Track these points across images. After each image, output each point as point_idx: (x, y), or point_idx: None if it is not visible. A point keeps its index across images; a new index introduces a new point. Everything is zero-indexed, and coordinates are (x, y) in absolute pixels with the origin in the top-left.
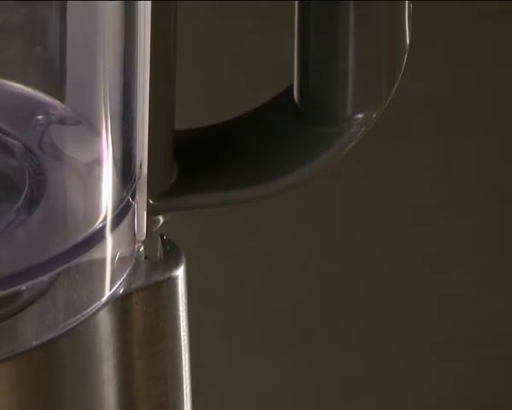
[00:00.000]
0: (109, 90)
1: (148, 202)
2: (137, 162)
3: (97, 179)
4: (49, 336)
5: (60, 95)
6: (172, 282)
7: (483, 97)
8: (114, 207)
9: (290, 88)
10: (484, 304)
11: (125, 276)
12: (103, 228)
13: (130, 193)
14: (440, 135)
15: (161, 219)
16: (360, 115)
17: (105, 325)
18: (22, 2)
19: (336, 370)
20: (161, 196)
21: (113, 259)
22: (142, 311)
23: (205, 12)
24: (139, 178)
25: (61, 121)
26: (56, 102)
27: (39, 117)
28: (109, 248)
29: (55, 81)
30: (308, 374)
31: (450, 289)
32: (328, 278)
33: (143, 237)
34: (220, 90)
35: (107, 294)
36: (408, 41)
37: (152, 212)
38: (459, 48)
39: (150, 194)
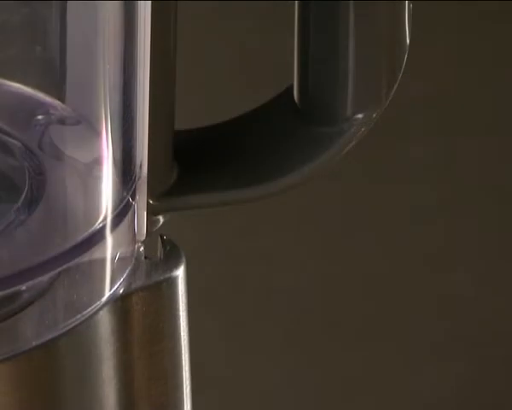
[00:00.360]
0: (109, 90)
1: (147, 202)
2: (137, 162)
3: (97, 179)
4: (49, 336)
5: (60, 95)
6: (172, 282)
7: (483, 97)
8: (114, 207)
9: (290, 88)
10: (484, 304)
11: (125, 276)
12: (103, 228)
13: (130, 193)
14: (440, 135)
15: (161, 219)
16: (360, 115)
17: (105, 325)
18: (22, 2)
19: (336, 370)
20: (161, 196)
21: (113, 259)
22: (142, 311)
23: (205, 12)
24: (139, 178)
25: (61, 121)
26: (56, 102)
27: (39, 117)
28: (109, 248)
29: (55, 81)
30: (308, 374)
31: (450, 289)
32: (328, 278)
33: (143, 237)
34: (220, 90)
35: (107, 294)
36: (408, 41)
37: (152, 212)
38: (459, 48)
39: (150, 194)
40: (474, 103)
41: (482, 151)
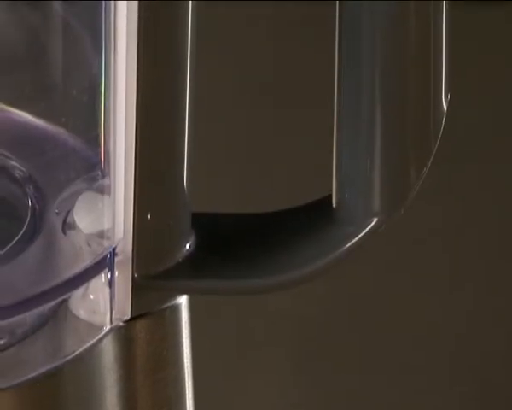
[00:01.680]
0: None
1: (135, 280)
2: (115, 238)
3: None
4: (53, 364)
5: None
6: (176, 309)
7: (484, 108)
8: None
9: (328, 196)
10: (486, 322)
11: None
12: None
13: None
14: (442, 150)
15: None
16: (385, 214)
17: (108, 352)
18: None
19: (339, 391)
20: (168, 275)
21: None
22: (146, 338)
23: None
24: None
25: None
26: (61, 131)
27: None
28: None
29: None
30: (312, 400)
31: (453, 308)
32: (332, 300)
33: (126, 317)
34: (221, 102)
35: (112, 320)
36: (437, 141)
37: (156, 289)
38: (460, 60)
39: (148, 271)
40: (474, 115)
41: (482, 167)
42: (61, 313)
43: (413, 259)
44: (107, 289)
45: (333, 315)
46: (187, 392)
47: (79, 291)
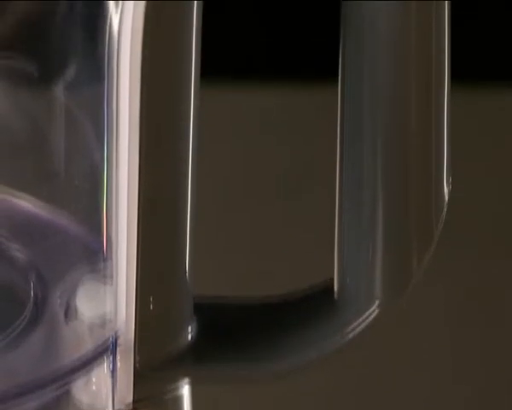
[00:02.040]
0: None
1: (136, 370)
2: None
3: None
4: None
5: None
6: (177, 397)
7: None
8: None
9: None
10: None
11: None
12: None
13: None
14: (443, 231)
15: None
16: (387, 299)
17: None
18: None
19: None
20: (165, 364)
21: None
22: None
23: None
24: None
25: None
26: (63, 219)
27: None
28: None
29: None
30: None
31: (455, 398)
32: (330, 386)
33: (124, 405)
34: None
35: (114, 408)
36: (436, 234)
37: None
38: (463, 148)
39: (147, 361)
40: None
41: (483, 251)
42: (63, 400)
43: (414, 343)
44: (109, 377)
45: (333, 403)
46: None
47: (81, 379)
